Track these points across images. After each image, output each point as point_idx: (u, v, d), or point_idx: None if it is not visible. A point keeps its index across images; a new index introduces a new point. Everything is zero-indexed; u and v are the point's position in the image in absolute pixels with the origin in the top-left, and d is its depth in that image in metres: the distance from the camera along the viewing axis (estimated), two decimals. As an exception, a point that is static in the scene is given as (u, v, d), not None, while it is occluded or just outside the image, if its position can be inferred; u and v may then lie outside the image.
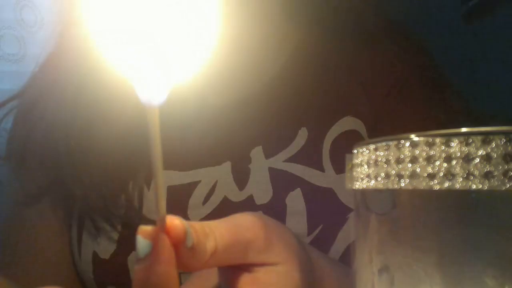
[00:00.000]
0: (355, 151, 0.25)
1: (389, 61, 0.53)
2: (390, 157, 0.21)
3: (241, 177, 0.49)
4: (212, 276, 0.30)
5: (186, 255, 0.22)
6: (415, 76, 0.53)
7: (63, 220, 0.51)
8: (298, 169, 0.48)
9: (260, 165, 0.49)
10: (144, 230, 0.22)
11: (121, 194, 0.48)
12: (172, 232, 0.22)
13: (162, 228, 0.22)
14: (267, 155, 0.49)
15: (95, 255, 0.49)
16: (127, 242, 0.48)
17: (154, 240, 0.21)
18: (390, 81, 0.53)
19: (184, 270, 0.23)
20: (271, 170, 0.48)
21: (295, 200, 0.47)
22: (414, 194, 0.21)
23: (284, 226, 0.30)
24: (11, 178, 0.53)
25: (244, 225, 0.26)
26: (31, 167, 0.51)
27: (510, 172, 0.18)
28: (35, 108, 0.52)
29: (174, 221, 0.22)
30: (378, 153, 0.22)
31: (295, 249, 0.29)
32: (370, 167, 0.23)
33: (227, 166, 0.49)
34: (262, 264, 0.27)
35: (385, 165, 0.22)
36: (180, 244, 0.22)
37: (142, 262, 0.21)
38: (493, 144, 0.19)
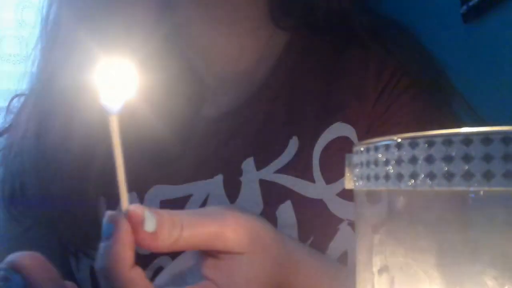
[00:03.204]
0: (355, 151, 0.25)
1: (378, 62, 0.53)
2: (390, 157, 0.21)
3: (232, 190, 0.48)
4: (191, 259, 0.33)
5: (149, 239, 0.27)
6: (408, 78, 0.52)
7: (58, 242, 0.51)
8: (288, 181, 0.48)
9: (251, 177, 0.48)
10: (110, 215, 0.27)
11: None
12: (132, 218, 0.27)
13: (125, 217, 0.26)
14: (258, 167, 0.49)
15: (92, 269, 0.49)
16: None
17: (116, 224, 0.26)
18: (380, 83, 0.52)
19: (149, 250, 0.28)
20: (262, 182, 0.48)
21: (286, 213, 0.47)
22: (414, 194, 0.21)
23: (260, 220, 0.33)
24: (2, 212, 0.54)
25: (214, 216, 0.30)
26: (21, 203, 0.52)
27: (510, 172, 0.18)
28: (16, 146, 0.53)
29: (135, 210, 0.27)
30: (378, 153, 0.22)
31: (265, 242, 0.32)
32: (370, 167, 0.23)
33: (219, 179, 0.49)
34: (228, 253, 0.30)
35: (385, 165, 0.22)
36: (139, 229, 0.27)
37: (104, 241, 0.26)
38: (493, 144, 0.19)
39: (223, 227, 0.30)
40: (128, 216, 0.27)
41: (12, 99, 0.58)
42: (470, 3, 0.96)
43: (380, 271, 0.23)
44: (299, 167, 0.48)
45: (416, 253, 0.21)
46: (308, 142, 0.49)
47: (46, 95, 0.50)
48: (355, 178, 0.25)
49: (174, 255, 0.42)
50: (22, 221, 0.52)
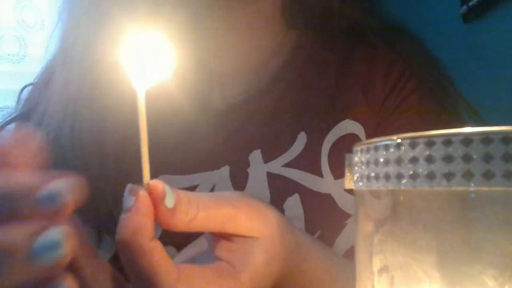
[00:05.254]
0: (355, 151, 0.25)
1: (387, 64, 0.53)
2: (390, 157, 0.21)
3: (239, 182, 0.48)
4: (202, 247, 0.34)
5: (166, 215, 0.27)
6: (415, 80, 0.53)
7: None
8: (296, 174, 0.48)
9: (258, 169, 0.48)
10: (131, 188, 0.27)
11: (116, 208, 0.47)
12: (153, 191, 0.27)
13: (146, 191, 0.27)
14: (266, 160, 0.49)
15: (114, 257, 0.49)
16: None
17: (137, 197, 0.26)
18: (388, 84, 0.53)
19: (166, 228, 0.28)
20: (269, 175, 0.48)
21: (293, 206, 0.47)
22: (414, 194, 0.21)
23: (271, 209, 0.34)
24: None
25: (228, 200, 0.31)
26: None
27: (510, 172, 0.18)
28: (39, 119, 0.52)
29: (157, 184, 0.27)
30: (378, 153, 0.22)
31: (277, 228, 0.33)
32: (370, 167, 0.23)
33: (225, 170, 0.49)
34: (241, 236, 0.31)
35: (385, 165, 0.22)
36: (159, 203, 0.27)
37: (125, 213, 0.26)
38: (493, 144, 0.19)
39: (237, 210, 0.30)
40: (149, 189, 0.27)
41: (23, 88, 0.57)
42: (470, 3, 0.96)
43: (380, 271, 0.23)
44: (307, 161, 0.49)
45: (416, 253, 0.21)
46: (317, 138, 0.50)
47: (73, 75, 0.50)
48: (355, 178, 0.25)
49: (179, 247, 0.43)
50: None
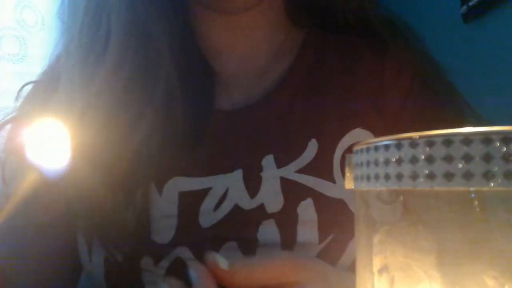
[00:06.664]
0: (355, 151, 0.25)
1: (396, 70, 0.53)
2: (390, 157, 0.21)
3: (252, 185, 0.48)
4: None
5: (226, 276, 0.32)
6: (423, 85, 0.53)
7: (65, 232, 0.51)
8: (309, 180, 0.48)
9: (271, 174, 0.48)
10: (193, 266, 0.33)
11: (126, 210, 0.47)
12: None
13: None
14: (279, 165, 0.49)
15: (106, 258, 0.48)
16: (139, 247, 0.47)
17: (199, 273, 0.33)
18: (400, 90, 0.52)
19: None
20: (283, 180, 0.48)
21: (307, 210, 0.47)
22: (414, 194, 0.21)
23: (318, 263, 0.36)
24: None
25: (277, 266, 0.34)
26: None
27: (510, 172, 0.18)
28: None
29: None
30: (378, 153, 0.22)
31: (325, 279, 0.35)
32: (370, 168, 0.23)
33: (238, 173, 0.49)
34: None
35: (385, 165, 0.22)
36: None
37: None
38: (493, 144, 0.19)
39: (285, 277, 0.33)
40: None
41: (23, 86, 0.57)
42: (470, 3, 0.97)
43: (380, 271, 0.23)
44: (320, 168, 0.49)
45: (416, 253, 0.21)
46: (328, 145, 0.50)
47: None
48: (355, 178, 0.25)
49: (193, 246, 0.45)
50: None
